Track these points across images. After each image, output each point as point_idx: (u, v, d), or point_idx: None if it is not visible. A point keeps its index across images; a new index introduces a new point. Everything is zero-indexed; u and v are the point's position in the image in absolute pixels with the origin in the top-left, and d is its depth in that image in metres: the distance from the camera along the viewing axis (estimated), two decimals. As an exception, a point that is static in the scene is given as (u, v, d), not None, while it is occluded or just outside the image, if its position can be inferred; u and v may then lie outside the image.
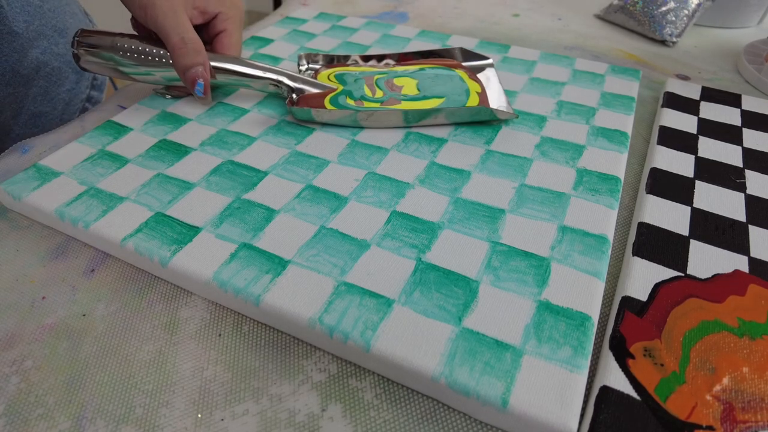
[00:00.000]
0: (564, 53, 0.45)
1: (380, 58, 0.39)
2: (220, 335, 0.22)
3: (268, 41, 0.44)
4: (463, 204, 0.26)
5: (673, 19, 0.48)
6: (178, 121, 0.33)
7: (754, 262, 0.24)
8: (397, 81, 0.35)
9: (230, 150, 0.30)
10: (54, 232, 0.26)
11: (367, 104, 0.33)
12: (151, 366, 0.20)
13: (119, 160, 0.29)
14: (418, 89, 0.34)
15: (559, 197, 0.26)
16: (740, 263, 0.23)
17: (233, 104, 0.34)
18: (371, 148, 0.30)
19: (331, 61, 0.38)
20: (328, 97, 0.33)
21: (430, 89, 0.34)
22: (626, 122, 0.33)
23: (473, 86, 0.35)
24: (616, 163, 0.29)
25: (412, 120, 0.32)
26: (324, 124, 0.32)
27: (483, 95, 0.34)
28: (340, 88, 0.35)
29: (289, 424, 0.19)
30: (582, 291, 0.22)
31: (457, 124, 0.32)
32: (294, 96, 0.33)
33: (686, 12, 0.47)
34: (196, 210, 0.26)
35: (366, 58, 0.39)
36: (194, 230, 0.24)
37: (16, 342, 0.21)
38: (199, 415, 0.19)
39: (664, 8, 0.48)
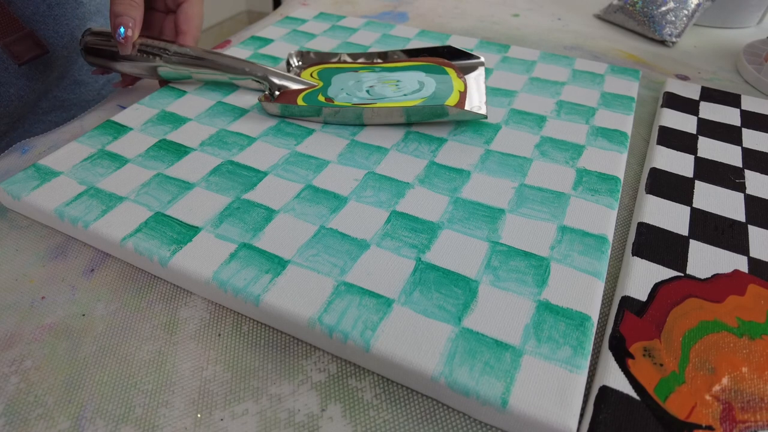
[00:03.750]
0: (564, 53, 0.45)
1: (369, 56, 0.39)
2: (219, 335, 0.22)
3: (268, 41, 0.44)
4: (463, 204, 0.26)
5: (673, 19, 0.48)
6: (177, 120, 0.33)
7: (753, 262, 0.24)
8: (380, 83, 0.35)
9: (230, 150, 0.30)
10: (54, 232, 0.26)
11: (337, 102, 0.33)
12: (150, 366, 0.20)
13: (119, 160, 0.29)
14: (399, 88, 0.34)
15: (559, 197, 0.27)
16: (740, 263, 0.23)
17: (233, 104, 0.34)
18: (371, 148, 0.30)
19: (320, 58, 0.39)
20: (302, 94, 0.34)
21: (410, 88, 0.34)
22: (626, 122, 0.33)
23: (458, 85, 0.35)
24: (615, 163, 0.29)
25: (376, 117, 0.32)
26: (324, 124, 0.32)
27: (464, 95, 0.34)
28: (320, 84, 0.35)
29: (288, 424, 0.19)
30: (582, 291, 0.22)
31: (458, 121, 0.32)
32: (277, 93, 0.34)
33: (686, 12, 0.47)
34: (196, 210, 0.26)
35: (355, 57, 0.39)
36: (194, 230, 0.24)
37: (16, 342, 0.21)
38: (199, 415, 0.19)
39: (663, 8, 0.48)
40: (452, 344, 0.19)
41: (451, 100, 0.33)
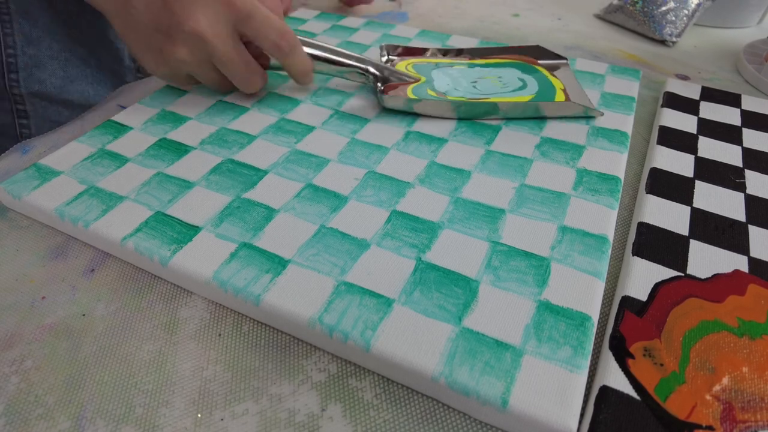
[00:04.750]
0: (564, 53, 0.45)
1: (458, 52, 0.39)
2: (219, 335, 0.22)
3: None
4: (463, 204, 0.26)
5: (673, 19, 0.48)
6: (177, 120, 0.33)
7: (753, 262, 0.24)
8: (482, 77, 0.36)
9: (230, 149, 0.30)
10: (54, 232, 0.26)
11: (450, 97, 0.33)
12: (150, 366, 0.20)
13: (119, 159, 0.29)
14: (503, 84, 0.35)
15: (559, 197, 0.26)
16: (740, 263, 0.23)
17: (233, 103, 0.34)
18: (371, 147, 0.30)
19: (410, 52, 0.39)
20: (410, 88, 0.34)
21: (513, 85, 0.35)
22: (626, 122, 0.33)
23: (556, 83, 0.35)
24: (616, 163, 0.29)
25: (502, 113, 0.32)
26: (325, 122, 0.32)
27: (566, 92, 0.35)
28: (423, 79, 0.36)
29: (288, 423, 0.19)
30: (582, 291, 0.21)
31: (460, 120, 0.33)
32: (380, 85, 0.34)
33: (686, 12, 0.47)
34: (196, 209, 0.26)
35: (444, 52, 0.39)
36: (194, 229, 0.24)
37: (16, 342, 0.21)
38: (199, 415, 0.19)
39: (663, 8, 0.48)
40: (452, 344, 0.19)
41: (559, 98, 0.34)
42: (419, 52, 0.39)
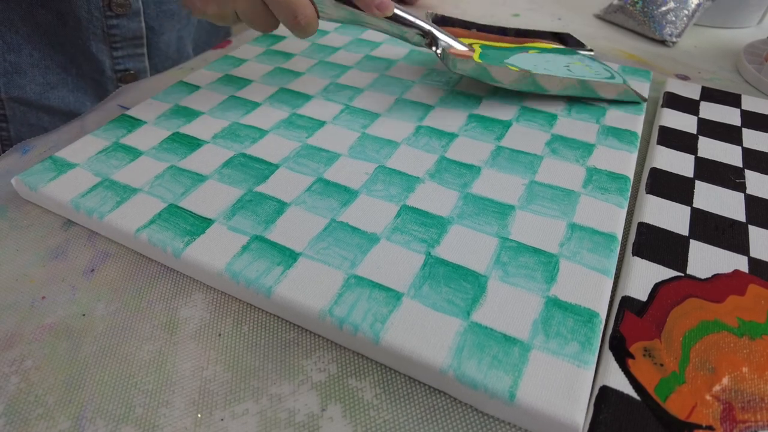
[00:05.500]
0: (564, 53, 0.45)
1: (498, 30, 0.41)
2: (219, 335, 0.22)
3: (280, 38, 0.44)
4: (473, 199, 0.26)
5: (673, 19, 0.48)
6: (190, 114, 0.33)
7: (753, 262, 0.24)
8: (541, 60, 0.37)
9: (242, 143, 0.30)
10: (54, 232, 0.26)
11: (513, 67, 0.34)
12: (150, 366, 0.20)
13: (133, 153, 0.29)
14: (566, 68, 0.36)
15: (569, 195, 0.27)
16: (740, 263, 0.23)
17: (245, 98, 0.35)
18: (381, 142, 0.30)
19: (453, 25, 0.40)
20: (476, 55, 0.34)
21: (571, 69, 0.36)
22: (636, 122, 0.33)
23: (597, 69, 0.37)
24: (625, 162, 0.29)
25: (560, 90, 0.34)
26: (336, 117, 0.32)
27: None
28: (479, 51, 0.35)
29: (288, 424, 0.19)
30: (590, 288, 0.22)
31: (469, 117, 0.33)
32: (435, 49, 0.33)
33: (686, 12, 0.48)
34: (209, 202, 0.26)
35: (480, 28, 0.41)
36: (207, 222, 0.25)
37: (16, 342, 0.21)
38: (199, 415, 0.19)
39: (663, 8, 0.48)
40: (461, 338, 0.19)
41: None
42: (464, 26, 0.40)
